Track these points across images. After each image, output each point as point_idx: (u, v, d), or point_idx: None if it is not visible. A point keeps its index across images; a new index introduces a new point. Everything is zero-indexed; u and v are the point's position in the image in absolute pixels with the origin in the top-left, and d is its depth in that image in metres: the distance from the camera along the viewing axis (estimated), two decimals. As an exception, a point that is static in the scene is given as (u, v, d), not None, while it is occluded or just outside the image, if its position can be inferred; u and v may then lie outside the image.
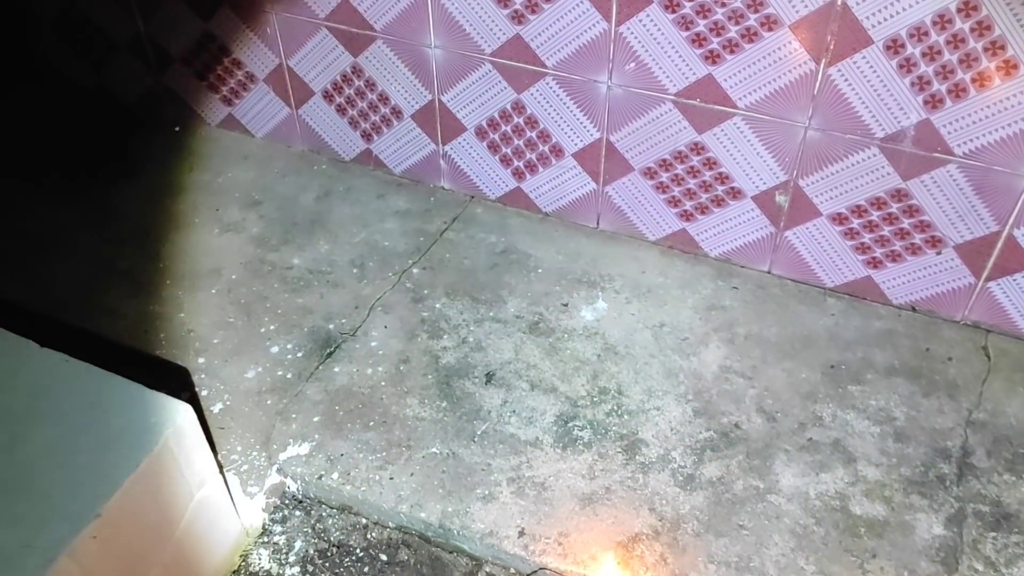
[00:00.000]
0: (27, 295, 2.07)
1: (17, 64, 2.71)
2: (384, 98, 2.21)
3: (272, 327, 2.02)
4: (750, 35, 1.72)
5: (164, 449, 1.40)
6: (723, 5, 1.70)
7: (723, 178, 1.96)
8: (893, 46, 1.63)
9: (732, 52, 1.76)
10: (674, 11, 1.75)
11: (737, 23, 1.72)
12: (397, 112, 2.22)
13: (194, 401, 1.88)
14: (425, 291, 2.09)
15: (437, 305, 2.06)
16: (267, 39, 2.22)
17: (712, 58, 1.78)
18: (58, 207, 2.30)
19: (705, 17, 1.73)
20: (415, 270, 2.15)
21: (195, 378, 1.92)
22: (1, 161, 2.42)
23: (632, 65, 1.87)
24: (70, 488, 1.31)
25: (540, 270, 2.14)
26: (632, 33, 1.82)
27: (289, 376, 1.92)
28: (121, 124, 2.55)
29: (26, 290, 2.08)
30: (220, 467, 1.63)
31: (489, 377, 1.91)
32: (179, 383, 1.90)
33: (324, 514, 1.75)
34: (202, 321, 2.04)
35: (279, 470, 1.77)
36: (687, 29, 1.77)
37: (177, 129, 2.52)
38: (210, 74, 2.37)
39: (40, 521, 1.26)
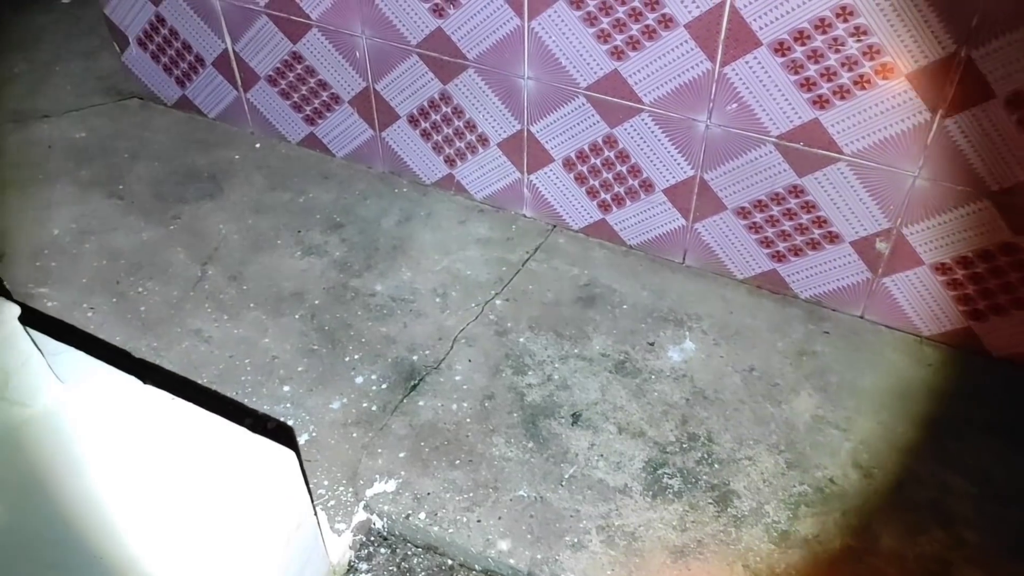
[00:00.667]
0: (117, 314, 2.09)
1: (101, 78, 2.74)
2: (471, 125, 2.18)
3: (356, 356, 2.02)
4: (863, 82, 1.67)
5: (266, 495, 1.39)
6: (837, 51, 1.65)
7: (821, 222, 1.91)
8: (1015, 99, 1.57)
9: (843, 98, 1.71)
10: (784, 55, 1.70)
11: (851, 69, 1.66)
12: (484, 140, 2.20)
13: (281, 431, 1.88)
14: (508, 324, 2.07)
15: (521, 339, 2.04)
16: (356, 63, 2.20)
17: (821, 103, 1.73)
18: (148, 224, 2.31)
19: (817, 62, 1.68)
20: (498, 301, 2.13)
21: (280, 407, 1.92)
22: (91, 178, 2.43)
23: (734, 106, 1.82)
24: (167, 536, 1.31)
25: (625, 306, 2.11)
26: (736, 74, 1.78)
27: (374, 408, 1.91)
28: (204, 139, 2.55)
29: (115, 309, 2.10)
30: (314, 507, 1.63)
31: (576, 418, 1.89)
32: (267, 411, 1.90)
33: (410, 553, 1.74)
34: (286, 347, 2.04)
35: (366, 507, 1.77)
36: (796, 73, 1.72)
37: (258, 146, 2.52)
38: (295, 93, 2.37)
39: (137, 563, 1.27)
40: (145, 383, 1.55)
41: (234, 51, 2.35)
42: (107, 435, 1.44)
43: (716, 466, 1.79)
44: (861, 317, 2.04)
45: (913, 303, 1.95)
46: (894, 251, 1.88)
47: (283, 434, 1.87)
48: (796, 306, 2.10)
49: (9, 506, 1.31)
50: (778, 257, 2.04)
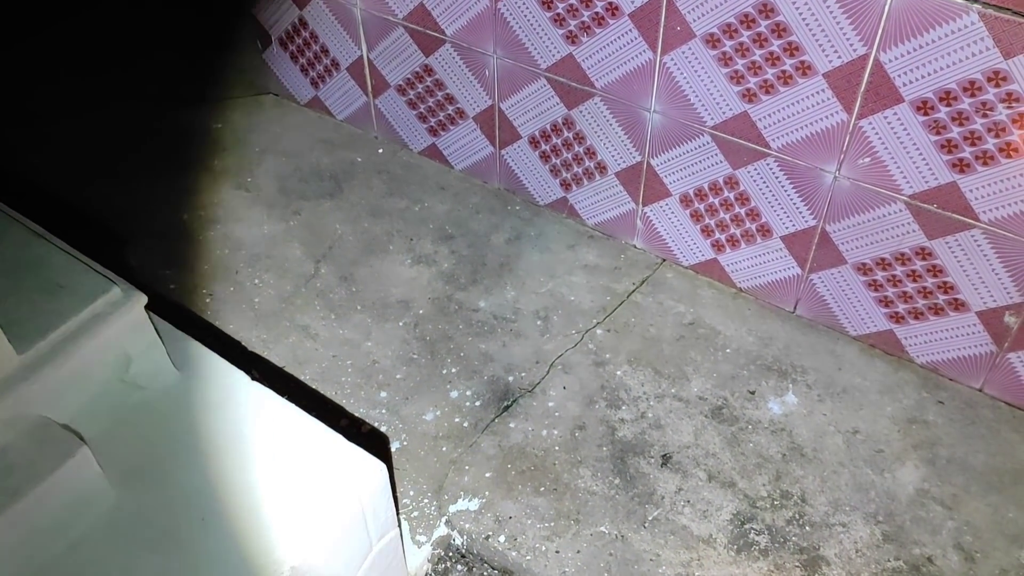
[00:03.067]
0: (233, 303, 2.18)
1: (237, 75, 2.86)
2: (591, 152, 2.18)
3: (454, 370, 2.04)
4: (1009, 150, 1.58)
5: (356, 506, 1.42)
6: (984, 116, 1.57)
7: (948, 288, 1.82)
8: None
9: (986, 164, 1.62)
10: (927, 114, 1.63)
11: (997, 136, 1.58)
12: (602, 167, 2.19)
13: (375, 437, 1.92)
14: (607, 355, 2.06)
15: (618, 372, 2.02)
16: (484, 81, 2.23)
17: (961, 167, 1.65)
18: (269, 218, 2.40)
19: (961, 125, 1.61)
20: (599, 331, 2.11)
21: (376, 412, 1.96)
22: (223, 168, 2.55)
23: (867, 160, 1.76)
24: (263, 537, 1.35)
25: (728, 350, 2.06)
26: (873, 128, 1.71)
27: (466, 425, 1.93)
28: (330, 139, 2.63)
29: (231, 298, 2.19)
30: (399, 520, 1.66)
31: (666, 459, 1.86)
32: (362, 415, 1.95)
33: (486, 574, 1.75)
34: (387, 353, 2.08)
35: (448, 523, 1.79)
36: (938, 134, 1.64)
37: (381, 151, 2.58)
38: (421, 104, 2.42)
39: (231, 567, 1.31)
40: (252, 375, 1.61)
41: (368, 58, 2.42)
42: (213, 425, 1.50)
43: (807, 528, 1.73)
44: (980, 390, 1.94)
45: (1039, 383, 1.84)
46: (1023, 326, 1.78)
47: (376, 439, 1.92)
48: (910, 371, 2.01)
49: (119, 484, 1.38)
50: (896, 318, 1.95)
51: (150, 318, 1.50)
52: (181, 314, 2.14)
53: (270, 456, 1.46)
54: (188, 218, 2.40)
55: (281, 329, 2.13)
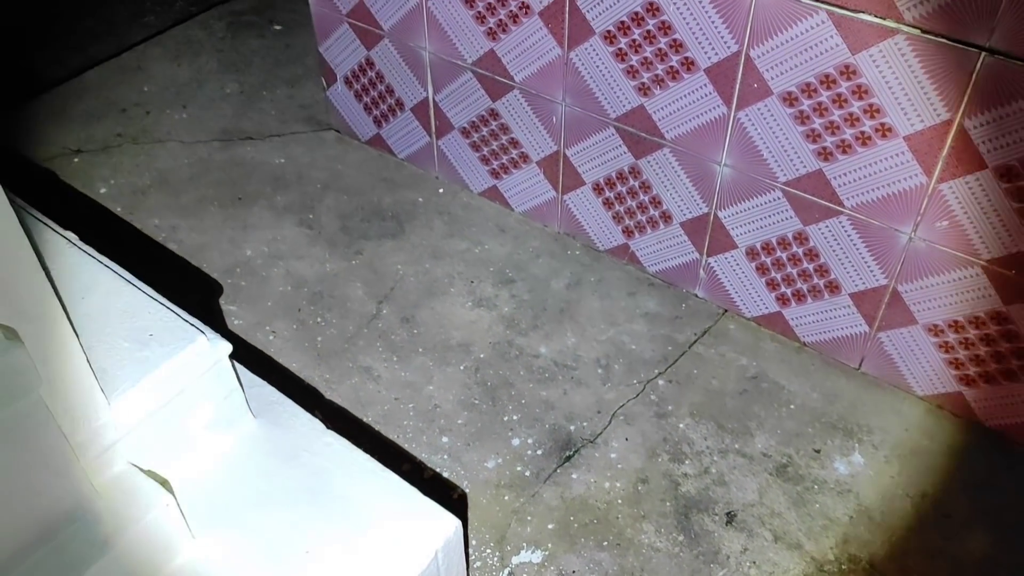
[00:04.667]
0: (295, 341, 2.20)
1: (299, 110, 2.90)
2: (656, 201, 2.18)
3: (515, 417, 2.04)
4: (1096, 220, 1.57)
5: (431, 560, 1.42)
6: (1071, 186, 1.56)
7: (1022, 353, 1.80)
8: None
9: (1070, 234, 1.61)
10: (1010, 180, 1.62)
11: (1084, 207, 1.57)
12: (667, 217, 2.19)
13: (436, 483, 1.92)
14: (670, 407, 2.05)
15: (681, 425, 2.01)
16: (551, 128, 2.24)
17: (1043, 235, 1.64)
18: (332, 256, 2.42)
19: (1046, 194, 1.60)
20: (660, 381, 2.11)
21: (437, 457, 1.97)
22: (286, 204, 2.57)
23: (945, 223, 1.75)
24: (346, 588, 1.36)
25: (792, 406, 2.05)
26: (953, 192, 1.70)
27: (528, 474, 1.93)
28: (391, 178, 2.66)
29: (295, 336, 2.21)
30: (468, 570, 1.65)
31: (730, 517, 1.84)
32: (424, 459, 1.95)
33: (548, 628, 1.75)
34: (448, 397, 2.09)
35: (511, 574, 1.78)
36: (1019, 201, 1.63)
37: (441, 191, 2.60)
38: (485, 147, 2.43)
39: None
40: (316, 415, 1.62)
41: (434, 100, 2.44)
42: (290, 474, 1.51)
43: (877, 596, 1.71)
44: (1052, 458, 1.91)
45: (1116, 454, 1.81)
46: (1103, 397, 1.75)
47: (438, 484, 1.92)
48: (979, 433, 1.98)
49: (200, 532, 1.39)
50: (966, 380, 1.93)
51: (234, 365, 1.52)
52: (248, 353, 2.16)
53: (347, 509, 1.47)
54: (252, 254, 2.43)
55: (344, 369, 2.14)
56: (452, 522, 1.47)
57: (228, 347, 1.45)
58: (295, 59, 3.13)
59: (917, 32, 1.58)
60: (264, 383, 1.64)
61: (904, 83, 1.65)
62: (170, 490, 1.35)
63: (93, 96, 2.95)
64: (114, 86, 3.00)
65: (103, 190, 2.60)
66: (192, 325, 1.44)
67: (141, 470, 1.36)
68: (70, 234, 1.60)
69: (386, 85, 2.53)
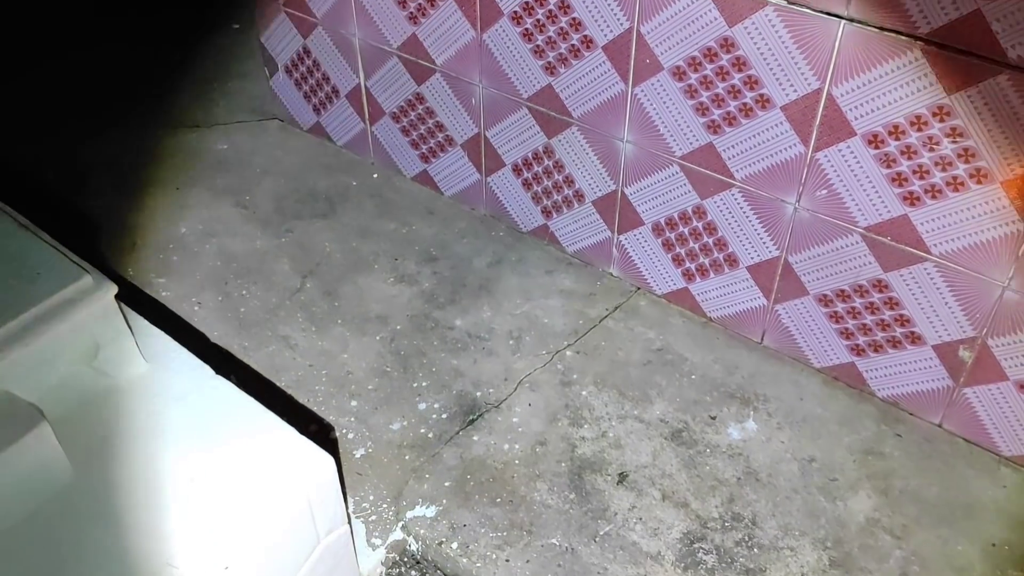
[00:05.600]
0: (219, 312, 2.27)
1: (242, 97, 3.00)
2: (570, 181, 2.26)
3: (424, 384, 2.10)
4: (956, 184, 1.63)
5: (303, 497, 1.48)
6: (931, 150, 1.63)
7: (904, 320, 1.86)
8: (1119, 220, 1.49)
9: (934, 198, 1.67)
10: (877, 147, 1.69)
11: (944, 170, 1.63)
12: (580, 195, 2.26)
13: (340, 443, 1.98)
14: (574, 376, 2.11)
15: (584, 392, 2.07)
16: (471, 110, 2.33)
17: (911, 200, 1.70)
18: (264, 235, 2.50)
19: (910, 159, 1.66)
20: (568, 352, 2.17)
21: (344, 419, 2.02)
22: (224, 186, 2.66)
23: (824, 192, 1.82)
24: (206, 528, 1.41)
25: (694, 376, 2.10)
26: (828, 161, 1.77)
27: (430, 436, 1.99)
28: (329, 164, 2.74)
29: (219, 307, 2.28)
30: (349, 517, 1.71)
31: (622, 478, 1.89)
32: (331, 421, 2.01)
33: (437, 580, 1.79)
34: (361, 365, 2.15)
35: (404, 528, 1.83)
36: (888, 167, 1.70)
37: (375, 176, 2.69)
38: (414, 131, 2.52)
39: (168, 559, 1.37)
40: (231, 379, 1.68)
41: (366, 87, 2.53)
42: (174, 415, 1.57)
43: (755, 551, 1.75)
44: (938, 426, 1.95)
45: (995, 419, 1.85)
46: (978, 362, 1.80)
47: (339, 447, 1.97)
48: (870, 403, 2.03)
49: (78, 466, 1.45)
50: (857, 351, 1.98)
51: (122, 309, 1.58)
52: (167, 319, 2.23)
53: (223, 447, 1.53)
54: (186, 231, 2.51)
55: (263, 338, 2.21)
56: (325, 460, 1.52)
57: (113, 288, 1.52)
58: (249, 55, 3.23)
59: (783, 3, 1.66)
60: (161, 332, 1.71)
61: (777, 54, 1.72)
62: (47, 420, 1.42)
63: (53, 87, 3.06)
64: (73, 79, 3.10)
65: (50, 176, 2.70)
66: (79, 266, 1.51)
67: (20, 398, 1.43)
68: (-22, 186, 1.68)
69: (322, 73, 2.62)
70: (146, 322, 1.72)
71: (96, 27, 3.43)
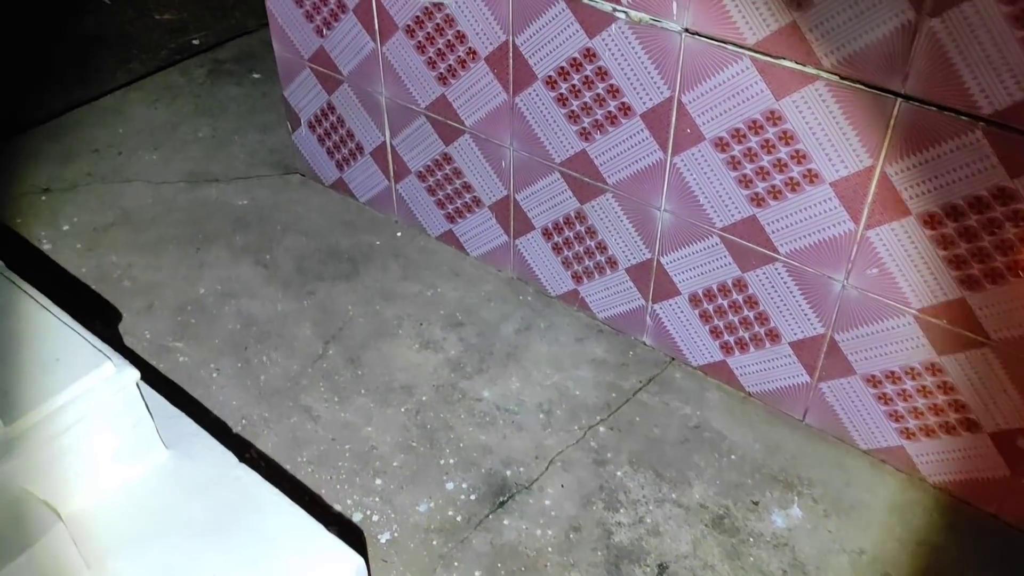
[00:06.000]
0: (239, 379, 2.19)
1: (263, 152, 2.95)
2: (602, 247, 2.18)
3: (452, 460, 2.01)
4: (994, 276, 1.55)
5: (329, 599, 1.39)
6: (992, 233, 1.55)
7: (959, 406, 1.77)
8: None
9: (995, 283, 1.59)
10: (934, 227, 1.61)
11: (1005, 254, 1.55)
12: (612, 262, 2.19)
13: (364, 525, 1.89)
14: (608, 454, 2.02)
15: (619, 473, 1.98)
16: (501, 172, 2.26)
17: (969, 283, 1.62)
18: (285, 297, 2.43)
19: (969, 242, 1.58)
20: (602, 428, 2.08)
21: (369, 499, 1.94)
22: (244, 244, 2.59)
23: (875, 271, 1.74)
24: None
25: (734, 456, 2.01)
26: (880, 239, 1.69)
27: (459, 519, 1.89)
28: (351, 221, 2.68)
29: (238, 374, 2.20)
30: (376, 614, 1.62)
31: (662, 569, 1.80)
32: (355, 502, 1.92)
33: None
34: (386, 439, 2.06)
35: (431, 621, 1.74)
36: (945, 248, 1.62)
37: (399, 235, 2.62)
38: (440, 191, 2.45)
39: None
40: (249, 455, 1.60)
41: (391, 144, 2.47)
42: (196, 507, 1.49)
43: (805, 653, 1.65)
44: (994, 516, 1.85)
45: (1057, 511, 1.76)
46: (1040, 451, 1.71)
47: (364, 529, 1.88)
48: (922, 490, 1.93)
49: (95, 564, 1.37)
50: (907, 434, 1.89)
51: (142, 394, 1.51)
52: (183, 389, 2.15)
53: (249, 543, 1.44)
54: (204, 292, 2.44)
55: (284, 408, 2.13)
56: (355, 561, 1.44)
57: (135, 374, 1.45)
58: (270, 107, 3.18)
59: (835, 78, 1.59)
60: (181, 415, 1.63)
61: (827, 129, 1.65)
62: (62, 519, 1.34)
63: (69, 137, 3.01)
64: (90, 128, 3.06)
65: (66, 227, 2.63)
66: (100, 351, 1.44)
67: (36, 497, 1.35)
68: (-5, 261, 1.61)
69: (347, 129, 2.57)
70: (166, 403, 1.65)
71: (114, 74, 3.39)
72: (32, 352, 1.42)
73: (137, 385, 1.48)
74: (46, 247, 2.56)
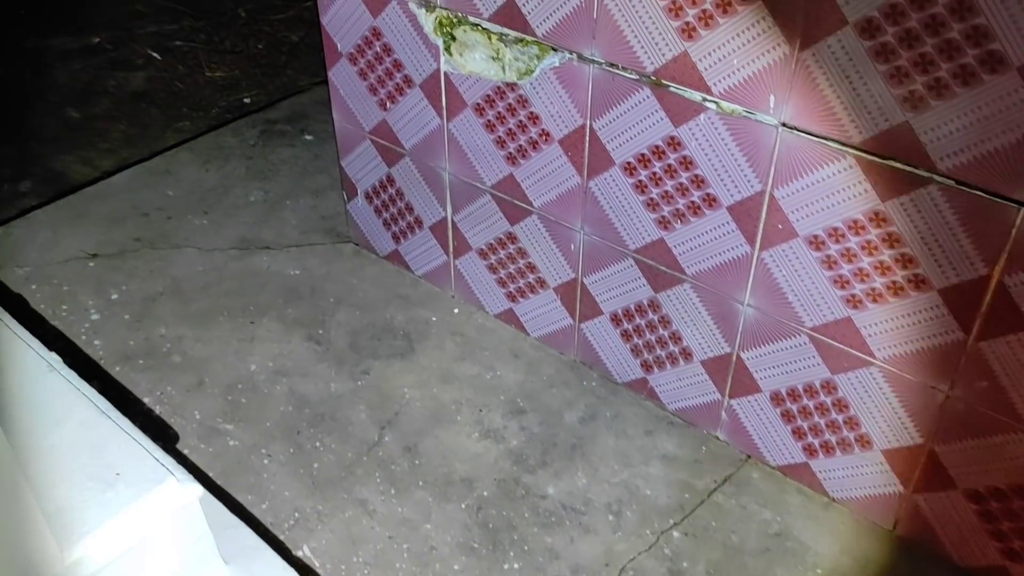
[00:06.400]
0: (291, 466, 2.09)
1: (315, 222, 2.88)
2: (676, 337, 2.08)
3: (516, 565, 1.89)
4: None
5: None
6: None
7: (1075, 531, 1.63)
8: None
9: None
10: (1057, 344, 1.50)
11: None
12: (687, 354, 2.08)
13: (425, 638, 1.77)
14: (684, 564, 1.89)
15: (696, 585, 1.85)
16: (569, 255, 2.17)
17: (1096, 405, 1.50)
18: (338, 376, 2.33)
19: (1098, 362, 1.46)
20: (676, 533, 1.95)
21: (430, 607, 1.82)
22: (296, 317, 2.51)
23: (984, 384, 1.61)
24: None
25: (819, 570, 1.87)
26: (991, 350, 1.58)
27: (526, 633, 1.77)
28: (406, 295, 2.59)
29: (291, 461, 2.10)
30: None
31: None
32: (413, 608, 1.81)
33: None
34: (446, 539, 1.95)
35: None
36: (1069, 366, 1.50)
37: (456, 311, 2.52)
38: (502, 269, 2.36)
39: None
40: (303, 554, 1.50)
41: (452, 220, 2.39)
42: (257, 633, 1.38)
43: None
44: (1112, 649, 1.71)
45: None
46: None
47: (427, 640, 1.77)
48: (1027, 615, 1.79)
49: None
50: (1009, 555, 1.75)
51: (202, 511, 1.41)
52: (238, 477, 2.05)
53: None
54: (256, 369, 2.35)
55: (338, 501, 2.02)
56: None
57: (198, 491, 1.35)
58: (322, 169, 3.13)
59: (951, 183, 1.49)
60: (240, 523, 1.54)
61: (939, 235, 1.54)
62: (120, 651, 1.24)
63: (117, 199, 2.96)
64: (139, 189, 3.01)
65: (114, 296, 2.57)
66: (162, 465, 1.34)
67: (91, 626, 1.25)
68: (53, 356, 1.53)
69: (405, 202, 2.49)
70: (226, 511, 1.56)
71: (164, 133, 3.36)
72: (91, 465, 1.33)
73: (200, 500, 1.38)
74: (94, 317, 2.49)
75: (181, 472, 1.36)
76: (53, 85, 3.63)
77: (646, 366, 2.19)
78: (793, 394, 1.93)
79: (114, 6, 4.20)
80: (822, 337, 1.81)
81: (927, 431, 1.75)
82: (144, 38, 3.97)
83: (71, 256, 2.71)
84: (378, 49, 2.26)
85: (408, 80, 2.23)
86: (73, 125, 3.40)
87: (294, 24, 4.12)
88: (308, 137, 3.31)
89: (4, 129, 3.35)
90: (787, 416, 1.97)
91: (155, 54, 3.87)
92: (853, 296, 1.72)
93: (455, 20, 2.05)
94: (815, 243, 1.71)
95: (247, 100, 3.57)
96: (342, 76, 2.39)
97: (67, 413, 1.41)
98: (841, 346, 1.79)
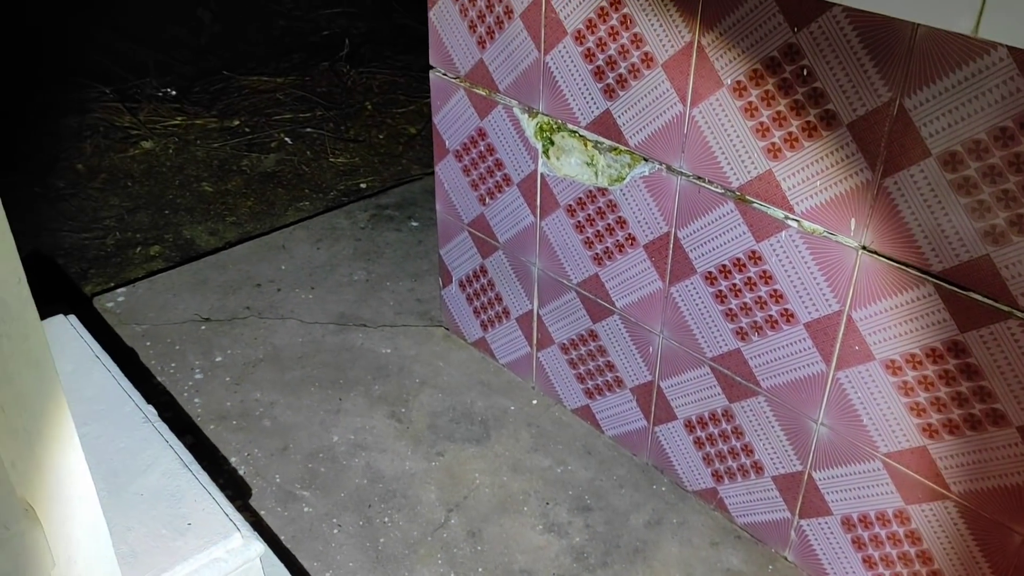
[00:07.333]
0: (358, 539, 2.15)
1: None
2: (748, 449, 2.06)
3: (565, 666, 1.88)
4: None
5: None
6: None
7: None
8: None
9: None
10: None
11: None
12: (758, 467, 2.05)
13: None
14: None
15: None
16: (647, 357, 2.20)
17: None
18: (414, 455, 2.41)
19: None
20: (733, 653, 1.90)
21: None
22: (381, 394, 2.62)
23: (1067, 532, 1.54)
24: None
25: None
26: (1077, 497, 1.51)
27: None
28: (488, 382, 2.66)
29: (359, 533, 2.17)
30: None
31: None
32: None
33: None
34: (499, 629, 1.96)
35: None
36: None
37: (535, 403, 2.57)
38: (582, 365, 2.41)
39: None
40: None
41: (538, 313, 2.47)
42: None
43: None
44: None
45: None
46: None
47: None
48: None
49: None
50: None
51: (262, 565, 1.48)
52: (307, 543, 2.13)
53: None
54: (338, 440, 2.45)
55: (399, 579, 2.07)
56: None
57: (260, 548, 1.43)
58: (424, 255, 3.28)
59: (1033, 319, 1.46)
60: (300, 586, 1.60)
61: (1019, 371, 1.51)
62: None
63: (236, 269, 3.19)
64: (256, 262, 3.23)
65: (219, 359, 2.74)
66: (231, 520, 1.43)
67: (147, 667, 1.32)
68: (150, 409, 1.66)
69: (496, 293, 2.59)
70: (284, 570, 1.62)
71: (285, 211, 3.60)
72: (168, 513, 1.43)
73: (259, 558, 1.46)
74: (198, 376, 2.67)
75: (247, 529, 1.44)
76: (193, 160, 3.97)
77: (717, 476, 2.17)
78: (865, 521, 1.87)
79: (258, 93, 4.58)
80: (896, 464, 1.76)
81: (1000, 567, 1.66)
82: (279, 124, 4.31)
83: (186, 318, 2.92)
84: (482, 148, 2.40)
85: (507, 179, 2.36)
86: (206, 198, 3.70)
87: (414, 117, 4.39)
88: (414, 223, 3.49)
89: (144, 198, 3.67)
90: (858, 543, 1.91)
91: (287, 139, 4.18)
92: (929, 425, 1.68)
93: (555, 126, 2.16)
94: (892, 368, 1.69)
95: (363, 185, 3.80)
96: (448, 170, 2.54)
97: (153, 462, 1.52)
98: (916, 476, 1.74)
